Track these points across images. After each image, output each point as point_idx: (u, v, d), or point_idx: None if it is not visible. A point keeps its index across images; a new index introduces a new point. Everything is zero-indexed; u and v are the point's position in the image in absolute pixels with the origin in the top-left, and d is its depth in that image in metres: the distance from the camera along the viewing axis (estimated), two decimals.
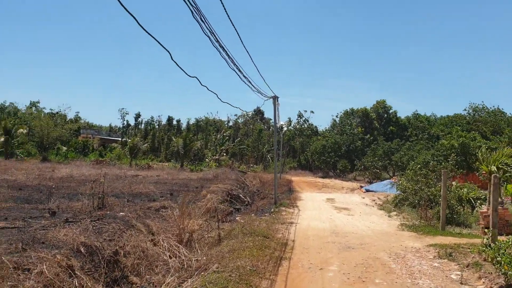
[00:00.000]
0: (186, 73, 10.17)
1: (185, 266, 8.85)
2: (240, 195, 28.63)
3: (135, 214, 13.34)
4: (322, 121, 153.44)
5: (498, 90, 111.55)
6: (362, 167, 41.12)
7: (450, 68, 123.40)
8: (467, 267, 9.70)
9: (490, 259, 9.55)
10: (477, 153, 37.94)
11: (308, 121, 70.45)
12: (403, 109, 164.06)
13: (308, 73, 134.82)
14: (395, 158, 46.75)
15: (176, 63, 8.96)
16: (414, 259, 10.70)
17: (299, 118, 70.94)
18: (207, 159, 57.39)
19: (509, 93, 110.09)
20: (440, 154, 44.41)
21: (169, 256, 9.17)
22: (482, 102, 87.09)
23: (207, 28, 9.69)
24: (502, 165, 17.01)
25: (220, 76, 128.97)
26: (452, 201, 18.14)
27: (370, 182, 38.63)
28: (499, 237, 16.07)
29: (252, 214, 17.59)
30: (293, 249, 11.46)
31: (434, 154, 44.59)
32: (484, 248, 9.96)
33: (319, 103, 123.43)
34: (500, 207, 17.46)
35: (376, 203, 25.59)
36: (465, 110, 73.35)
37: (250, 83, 16.43)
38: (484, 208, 16.75)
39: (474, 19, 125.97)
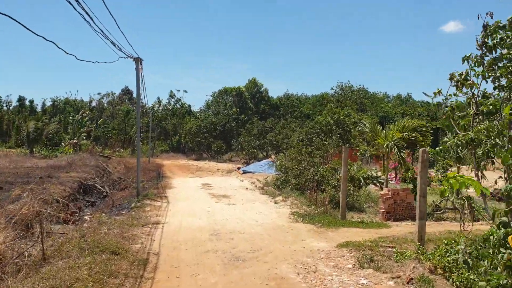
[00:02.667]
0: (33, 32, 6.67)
1: None
2: (97, 185, 23.89)
3: None
4: (198, 102, 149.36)
5: (362, 70, 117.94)
6: (239, 147, 38.43)
7: (319, 50, 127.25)
8: (409, 283, 6.75)
9: (441, 271, 6.72)
10: (352, 129, 37.67)
11: (180, 100, 66.00)
12: (274, 91, 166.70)
13: (189, 53, 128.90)
14: (269, 137, 45.03)
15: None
16: (330, 272, 7.54)
17: (170, 98, 66.08)
18: (63, 144, 50.12)
19: (372, 73, 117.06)
20: (314, 131, 43.71)
21: None
22: (348, 81, 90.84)
23: None
24: (399, 140, 14.92)
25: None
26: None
27: (247, 163, 36.04)
28: (399, 223, 14.05)
29: (103, 214, 13.25)
30: (155, 271, 7.59)
31: (308, 132, 43.77)
32: (429, 255, 7.16)
33: (196, 84, 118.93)
34: (390, 188, 15.46)
35: (256, 186, 22.69)
36: (332, 89, 75.58)
37: (104, 34, 11.97)
38: (385, 190, 14.52)
39: (341, 6, 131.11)
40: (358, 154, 26.83)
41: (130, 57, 15.43)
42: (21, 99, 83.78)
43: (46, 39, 8.42)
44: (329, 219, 12.60)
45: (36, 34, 7.85)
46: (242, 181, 25.08)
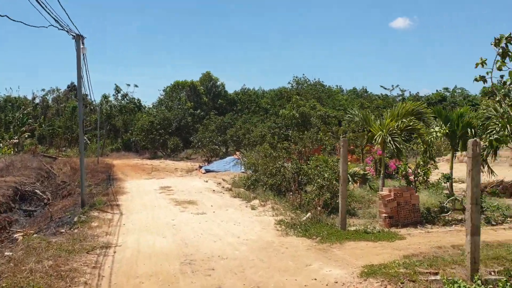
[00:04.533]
0: None
1: None
2: (37, 191, 20.51)
3: None
4: (150, 98, 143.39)
5: (317, 65, 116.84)
6: (199, 143, 35.48)
7: (272, 46, 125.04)
8: None
9: None
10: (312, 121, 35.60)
11: (128, 95, 61.72)
12: (231, 86, 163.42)
13: (139, 49, 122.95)
14: (230, 133, 42.36)
15: None
16: None
17: (116, 93, 61.54)
18: (0, 144, 45.32)
19: (327, 66, 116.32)
20: (277, 125, 41.43)
21: None
22: (304, 75, 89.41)
23: None
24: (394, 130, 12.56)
25: None
26: (332, 181, 13.34)
27: (208, 161, 33.10)
28: (406, 229, 11.67)
29: (35, 234, 10.13)
30: None
31: (271, 127, 41.42)
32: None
33: (149, 82, 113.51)
34: (398, 187, 13.18)
35: (223, 187, 19.94)
36: (289, 83, 74.13)
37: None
38: (385, 191, 12.15)
39: (293, 2, 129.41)
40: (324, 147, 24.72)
41: (67, 31, 12.20)
42: None
43: None
44: (328, 230, 10.08)
45: None
46: (206, 181, 22.22)
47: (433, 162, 15.24)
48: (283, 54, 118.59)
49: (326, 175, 13.26)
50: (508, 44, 7.12)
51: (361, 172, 16.38)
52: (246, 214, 12.96)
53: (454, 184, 19.34)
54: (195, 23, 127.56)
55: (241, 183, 19.87)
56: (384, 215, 11.72)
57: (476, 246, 6.59)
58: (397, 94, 68.88)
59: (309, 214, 11.99)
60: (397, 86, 69.00)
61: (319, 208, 11.32)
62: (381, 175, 13.35)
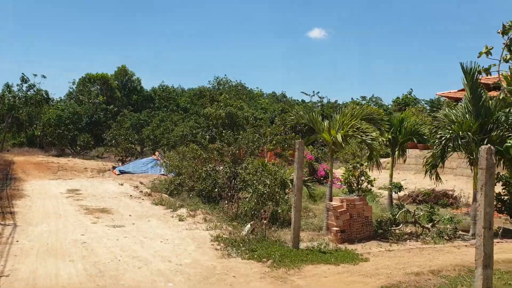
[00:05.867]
0: None
1: None
2: None
3: None
4: (60, 92, 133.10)
5: (239, 67, 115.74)
6: (113, 141, 32.32)
7: (192, 44, 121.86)
8: None
9: None
10: (243, 123, 33.92)
11: (34, 86, 56.07)
12: (149, 83, 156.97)
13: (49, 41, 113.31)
14: (146, 131, 39.54)
15: None
16: None
17: (22, 83, 55.60)
18: None
19: (249, 69, 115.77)
20: (199, 125, 39.30)
21: None
22: (225, 75, 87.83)
23: None
24: (353, 131, 11.16)
25: None
26: (275, 188, 11.71)
27: (123, 161, 30.10)
28: (361, 245, 10.25)
29: None
30: None
31: (192, 126, 39.18)
32: None
33: (61, 75, 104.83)
34: (345, 197, 11.79)
35: (142, 192, 17.54)
36: (209, 83, 72.48)
37: None
38: (337, 201, 10.68)
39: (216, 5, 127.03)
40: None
41: None
42: None
43: None
44: (278, 250, 8.34)
45: None
46: (121, 184, 19.61)
47: (367, 169, 14.22)
48: (203, 54, 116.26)
49: (268, 182, 11.60)
50: None
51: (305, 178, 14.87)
52: (174, 227, 10.87)
53: (381, 191, 18.70)
54: (113, 16, 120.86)
55: (163, 187, 17.68)
56: (335, 228, 10.26)
57: (489, 282, 5.19)
58: (317, 100, 69.49)
59: (248, 226, 10.25)
60: (318, 92, 69.53)
61: (264, 222, 9.55)
62: (328, 182, 11.85)
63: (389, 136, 14.62)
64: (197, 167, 15.36)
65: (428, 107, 43.55)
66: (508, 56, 6.00)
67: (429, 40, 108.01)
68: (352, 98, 64.78)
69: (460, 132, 10.68)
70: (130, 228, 10.53)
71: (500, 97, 6.23)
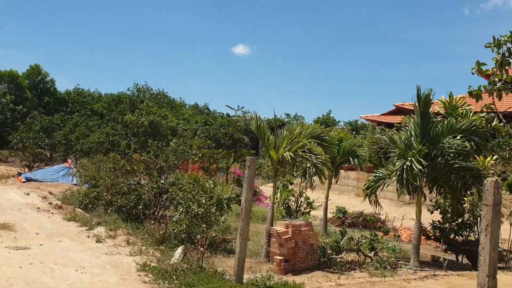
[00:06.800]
0: None
1: None
2: None
3: None
4: None
5: (160, 75, 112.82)
6: (20, 145, 29.09)
7: (112, 48, 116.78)
8: None
9: None
10: (167, 133, 32.23)
11: None
12: (64, 85, 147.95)
13: None
14: (58, 136, 36.41)
15: None
16: None
17: None
18: None
19: (171, 78, 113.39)
20: (116, 132, 36.93)
21: None
22: (146, 82, 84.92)
23: None
24: (303, 151, 10.26)
25: None
26: (210, 208, 10.49)
27: (30, 167, 27.13)
28: (306, 276, 9.23)
29: None
30: None
31: (109, 133, 36.71)
32: None
33: None
34: (289, 221, 10.84)
35: (52, 204, 15.38)
36: (129, 89, 69.84)
37: None
38: (281, 225, 9.67)
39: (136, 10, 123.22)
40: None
41: None
42: None
43: None
44: (221, 285, 7.13)
45: None
46: (28, 194, 17.22)
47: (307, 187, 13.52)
48: (123, 58, 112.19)
49: (203, 201, 10.34)
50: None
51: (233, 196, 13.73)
52: (91, 250, 9.23)
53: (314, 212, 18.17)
54: (31, 13, 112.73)
55: (76, 199, 15.67)
56: (278, 257, 9.26)
57: None
58: (241, 115, 68.92)
59: (179, 250, 8.96)
60: (243, 107, 68.93)
61: (201, 249, 8.27)
62: (271, 203, 10.82)
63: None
64: (117, 179, 13.69)
65: (345, 129, 44.68)
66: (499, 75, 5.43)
67: (349, 62, 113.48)
68: (275, 116, 65.15)
69: (414, 159, 10.17)
70: (37, 250, 8.76)
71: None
